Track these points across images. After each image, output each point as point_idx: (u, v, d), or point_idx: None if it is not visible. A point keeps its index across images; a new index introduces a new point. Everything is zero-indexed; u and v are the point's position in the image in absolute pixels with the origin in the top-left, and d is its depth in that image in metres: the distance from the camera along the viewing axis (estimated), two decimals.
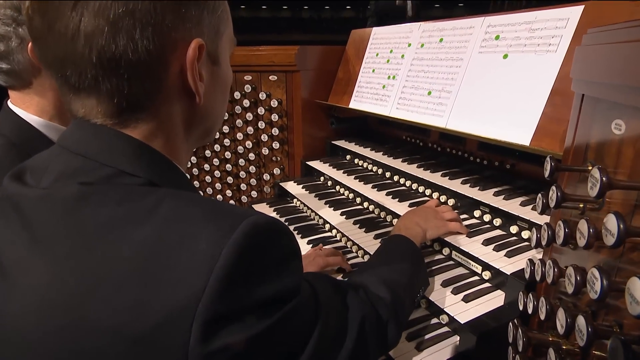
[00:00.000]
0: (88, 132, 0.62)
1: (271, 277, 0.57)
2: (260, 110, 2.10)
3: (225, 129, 2.22)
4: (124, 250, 0.53)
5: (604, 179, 0.57)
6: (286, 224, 1.70)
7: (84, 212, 0.56)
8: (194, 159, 2.36)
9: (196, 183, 2.42)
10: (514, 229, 1.26)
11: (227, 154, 2.27)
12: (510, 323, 0.86)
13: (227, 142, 2.25)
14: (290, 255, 0.61)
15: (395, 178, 1.74)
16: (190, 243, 0.52)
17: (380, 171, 1.84)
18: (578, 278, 0.62)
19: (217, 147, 2.28)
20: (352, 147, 2.05)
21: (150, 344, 0.50)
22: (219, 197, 2.42)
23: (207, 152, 2.32)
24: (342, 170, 1.91)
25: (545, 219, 1.16)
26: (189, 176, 2.37)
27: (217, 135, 2.25)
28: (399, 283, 0.96)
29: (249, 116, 2.14)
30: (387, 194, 1.61)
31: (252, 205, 1.99)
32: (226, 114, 2.18)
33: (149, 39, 0.58)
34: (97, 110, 0.62)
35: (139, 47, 0.58)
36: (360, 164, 1.98)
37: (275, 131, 2.12)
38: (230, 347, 0.52)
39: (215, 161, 2.32)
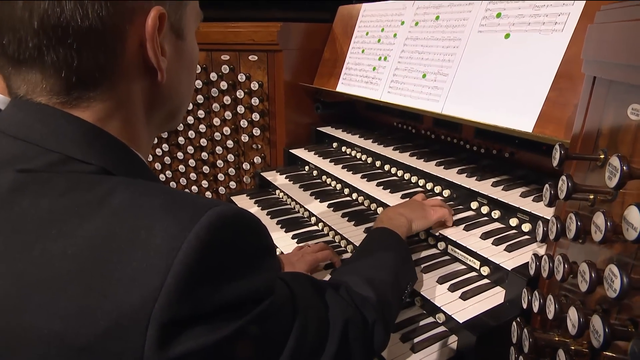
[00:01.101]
0: (30, 113, 0.58)
1: (239, 275, 0.54)
2: (239, 94, 2.06)
3: (201, 113, 2.16)
4: (66, 248, 0.49)
5: (624, 168, 0.56)
6: (268, 217, 1.71)
7: (20, 205, 0.52)
8: (165, 147, 2.29)
9: (169, 173, 2.36)
10: (513, 222, 1.26)
11: (203, 141, 2.22)
12: (514, 322, 0.85)
13: (202, 128, 2.20)
14: (262, 251, 0.59)
15: (386, 167, 1.73)
16: (145, 238, 0.49)
17: (369, 160, 1.83)
18: (593, 275, 0.61)
19: (191, 134, 2.23)
20: (339, 134, 2.03)
21: (99, 352, 0.47)
22: (194, 188, 2.37)
23: (181, 139, 2.26)
24: (329, 159, 1.90)
25: (547, 211, 1.16)
26: (160, 165, 2.31)
27: (192, 121, 2.19)
28: (384, 281, 0.95)
29: (227, 100, 2.09)
30: (378, 185, 1.60)
31: (231, 197, 1.96)
32: (201, 97, 2.13)
33: (101, 4, 0.55)
34: (42, 86, 0.58)
35: (90, 13, 0.54)
36: (348, 152, 1.96)
37: (255, 116, 2.08)
38: (191, 354, 0.49)
39: (190, 149, 2.26)
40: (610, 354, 0.66)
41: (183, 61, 0.70)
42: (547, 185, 0.80)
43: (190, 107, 2.16)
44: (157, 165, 2.35)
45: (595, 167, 0.78)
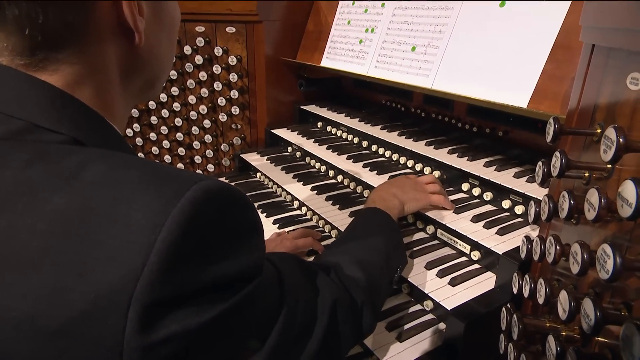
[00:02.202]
0: None
1: (226, 253, 0.53)
2: (216, 69, 2.02)
3: (175, 90, 2.11)
4: (36, 223, 0.48)
5: (620, 140, 0.55)
6: None
7: None
8: (137, 127, 2.24)
9: (140, 155, 2.31)
10: (506, 204, 1.26)
11: (178, 121, 2.18)
12: (504, 308, 0.85)
13: (177, 106, 2.15)
14: (250, 229, 0.58)
15: (374, 148, 1.73)
16: (125, 213, 0.48)
17: (356, 140, 1.83)
18: (585, 256, 0.60)
19: (165, 113, 2.18)
20: (324, 112, 2.01)
21: (75, 336, 0.46)
22: None
23: (153, 119, 2.20)
24: (313, 140, 1.89)
25: (541, 192, 1.16)
26: (131, 147, 2.25)
27: (165, 99, 2.14)
28: (374, 262, 0.95)
29: (203, 76, 2.04)
30: (364, 166, 1.60)
31: None
32: (175, 72, 2.07)
33: None
34: (3, 45, 0.55)
35: None
36: (333, 132, 1.96)
37: (234, 94, 2.05)
38: (176, 337, 0.49)
39: (164, 129, 2.22)
40: (603, 339, 0.66)
41: (163, 22, 0.68)
42: (539, 163, 0.79)
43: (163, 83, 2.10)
44: None
45: (592, 143, 0.77)
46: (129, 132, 2.25)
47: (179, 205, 0.48)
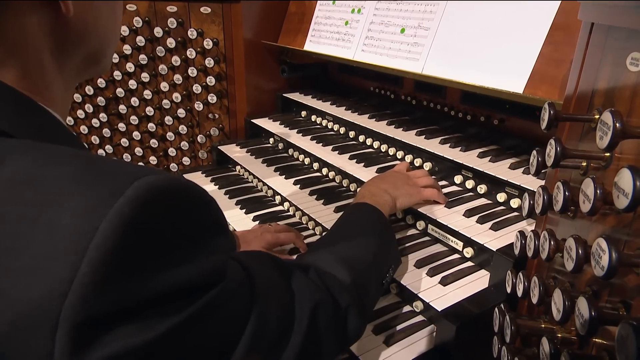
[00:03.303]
0: None
1: (177, 259, 0.50)
2: (191, 53, 1.99)
3: (145, 77, 2.08)
4: None
5: (617, 124, 0.54)
6: (227, 196, 1.69)
7: None
8: (104, 117, 2.20)
9: (109, 148, 2.28)
10: (501, 197, 1.26)
11: (149, 110, 2.15)
12: (496, 309, 0.85)
13: (147, 94, 2.12)
14: (208, 229, 0.55)
15: (361, 138, 1.72)
16: (49, 217, 0.44)
17: (342, 130, 1.82)
18: (580, 251, 0.60)
19: (135, 101, 2.14)
20: (308, 100, 2.01)
21: None
22: (140, 165, 2.28)
23: (122, 108, 2.17)
24: (297, 130, 1.89)
25: (538, 184, 1.16)
26: (98, 139, 2.23)
27: (135, 86, 2.11)
28: (362, 261, 0.94)
29: (176, 61, 2.02)
30: (351, 158, 1.60)
31: (184, 175, 1.91)
32: (145, 56, 2.04)
33: None
34: None
35: None
36: (318, 122, 1.95)
37: (210, 80, 2.02)
38: (119, 358, 0.46)
39: (134, 119, 2.18)
40: (601, 340, 0.65)
41: None
42: (534, 152, 0.78)
43: (132, 69, 2.07)
44: (95, 139, 2.26)
45: (590, 131, 0.77)
46: (96, 122, 2.21)
47: (116, 206, 0.45)
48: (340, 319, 0.83)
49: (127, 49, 2.03)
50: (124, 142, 2.24)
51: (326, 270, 0.87)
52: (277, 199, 1.65)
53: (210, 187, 1.79)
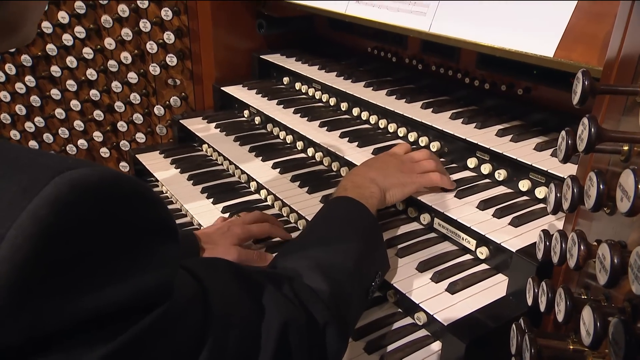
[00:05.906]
0: None
1: (111, 273, 0.51)
2: (142, 2, 1.96)
3: (80, 31, 2.04)
4: None
5: None
6: (190, 182, 1.71)
7: None
8: (31, 80, 2.16)
9: (39, 120, 2.26)
10: (524, 185, 1.26)
11: (91, 73, 2.13)
12: (514, 325, 0.84)
13: (88, 52, 2.09)
14: (154, 234, 0.56)
15: (355, 111, 1.73)
16: None
17: (332, 101, 1.83)
18: (616, 261, 0.58)
19: (71, 61, 2.11)
20: (291, 64, 2.01)
21: None
22: (82, 142, 2.28)
23: (55, 69, 2.14)
24: (277, 101, 1.89)
25: (572, 170, 1.15)
26: (24, 109, 2.24)
27: (70, 42, 2.07)
28: (343, 268, 0.96)
29: (123, 10, 2.00)
30: (342, 136, 1.60)
31: (137, 156, 1.92)
32: (82, 4, 2.00)
33: None
34: None
35: None
36: (303, 91, 1.96)
37: (168, 37, 2.01)
38: None
39: (71, 84, 2.16)
40: None
41: None
42: (562, 133, 0.76)
43: (66, 19, 2.03)
44: (20, 109, 2.23)
45: (635, 105, 0.75)
46: (20, 87, 2.17)
47: (30, 208, 0.45)
48: (317, 339, 0.84)
49: None
50: (59, 113, 2.22)
51: (301, 280, 0.89)
52: (253, 185, 1.66)
53: (170, 171, 1.80)
